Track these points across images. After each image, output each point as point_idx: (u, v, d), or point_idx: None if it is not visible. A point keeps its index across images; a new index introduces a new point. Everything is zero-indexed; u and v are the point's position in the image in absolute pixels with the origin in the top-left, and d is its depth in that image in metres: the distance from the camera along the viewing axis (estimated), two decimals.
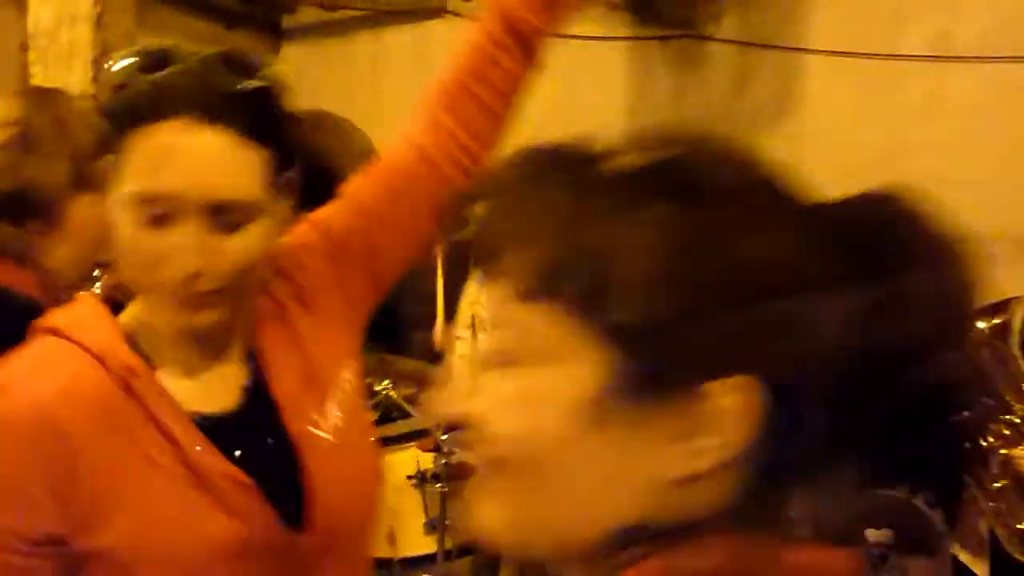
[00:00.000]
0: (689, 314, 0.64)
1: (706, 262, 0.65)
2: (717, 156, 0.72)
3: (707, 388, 0.64)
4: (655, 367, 0.65)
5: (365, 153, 3.26)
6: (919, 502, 3.57)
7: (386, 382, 2.87)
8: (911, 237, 0.73)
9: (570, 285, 0.66)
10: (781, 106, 5.93)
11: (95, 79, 2.53)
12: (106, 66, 1.44)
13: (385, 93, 7.02)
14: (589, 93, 6.58)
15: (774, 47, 5.84)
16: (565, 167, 0.71)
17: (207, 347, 1.44)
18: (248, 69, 1.37)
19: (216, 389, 1.45)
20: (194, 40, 7.36)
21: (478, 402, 0.72)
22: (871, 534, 3.39)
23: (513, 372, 0.70)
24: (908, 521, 3.52)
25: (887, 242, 0.71)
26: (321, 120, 3.32)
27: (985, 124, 5.45)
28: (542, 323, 0.67)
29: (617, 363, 0.65)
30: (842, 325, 0.65)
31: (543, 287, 0.67)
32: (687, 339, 0.64)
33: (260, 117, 1.33)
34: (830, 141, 5.81)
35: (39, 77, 2.64)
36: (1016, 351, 2.23)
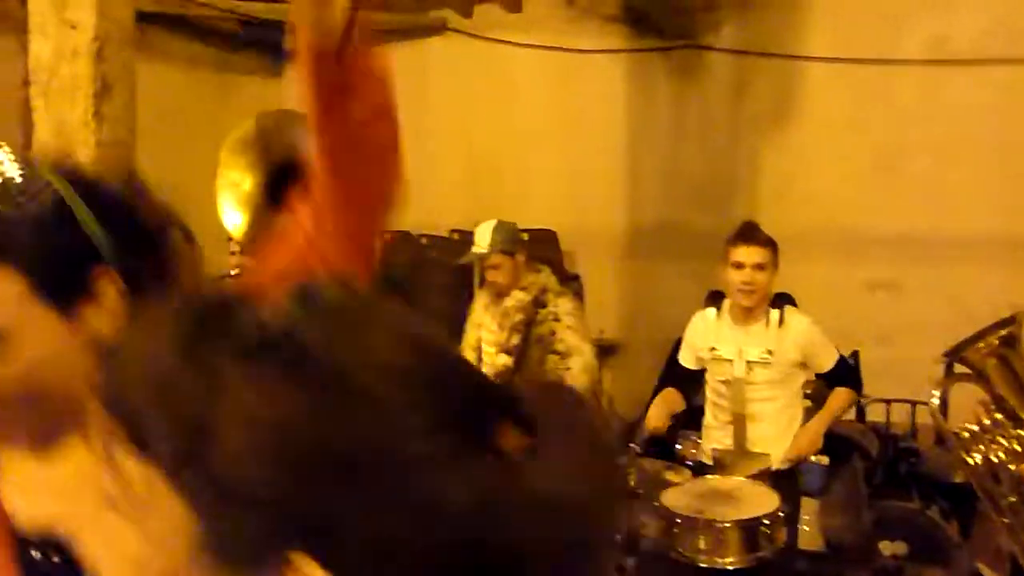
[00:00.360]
0: (276, 490, 0.62)
1: (305, 439, 0.63)
2: (341, 329, 0.67)
3: (274, 566, 0.63)
4: (234, 538, 0.64)
5: None
6: (933, 513, 3.57)
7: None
8: (546, 422, 0.67)
9: (165, 441, 0.65)
10: (781, 113, 5.93)
11: (95, 114, 2.54)
12: None
13: None
14: (591, 105, 6.61)
15: (773, 55, 5.84)
16: (192, 330, 0.69)
17: None
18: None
19: None
20: (197, 65, 7.41)
21: None
22: (885, 546, 3.38)
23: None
24: (922, 532, 3.51)
25: (512, 421, 0.66)
26: (293, 119, 3.34)
27: (981, 126, 5.46)
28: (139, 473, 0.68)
29: (206, 529, 0.64)
30: (438, 511, 0.62)
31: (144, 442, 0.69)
32: (268, 516, 0.63)
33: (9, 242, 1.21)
34: (830, 146, 5.80)
35: (41, 112, 2.65)
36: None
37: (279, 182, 3.59)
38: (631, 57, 6.32)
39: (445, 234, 6.79)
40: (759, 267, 3.00)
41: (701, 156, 6.21)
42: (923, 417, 4.24)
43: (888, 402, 4.02)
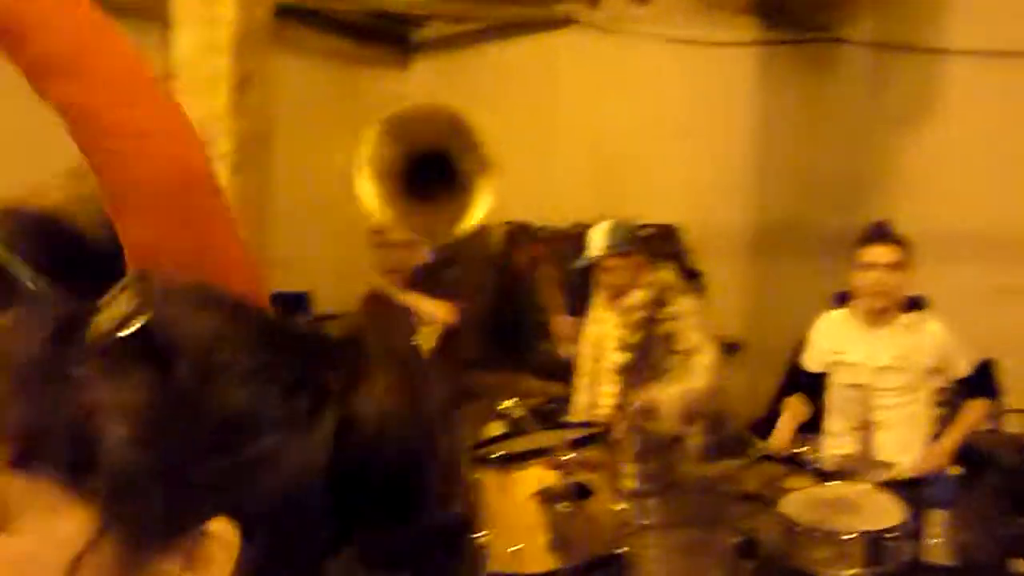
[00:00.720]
0: (167, 471, 0.68)
1: (180, 420, 0.69)
2: (195, 310, 0.73)
3: (191, 535, 0.69)
4: (140, 524, 0.68)
5: (478, 144, 3.32)
6: None
7: (512, 400, 2.87)
8: (366, 361, 0.76)
9: (53, 452, 0.68)
10: (921, 109, 5.70)
11: (234, 106, 2.63)
12: None
13: (512, 103, 7.09)
14: (720, 99, 6.49)
15: (913, 49, 5.62)
16: (50, 332, 0.71)
17: None
18: None
19: None
20: (328, 56, 7.60)
21: None
22: (1021, 564, 3.23)
23: (2, 539, 0.70)
24: None
25: (348, 371, 0.75)
26: (435, 113, 3.39)
27: None
28: (28, 489, 0.69)
29: (104, 522, 0.68)
30: (308, 456, 0.71)
31: (25, 455, 0.69)
32: (167, 494, 0.68)
33: None
34: (972, 145, 5.54)
35: (183, 106, 2.76)
36: None
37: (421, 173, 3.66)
38: (763, 50, 6.18)
39: (567, 227, 6.80)
40: (891, 267, 2.87)
41: (833, 153, 6.03)
42: None
43: None
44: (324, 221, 7.30)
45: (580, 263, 3.30)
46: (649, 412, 2.79)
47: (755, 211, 6.31)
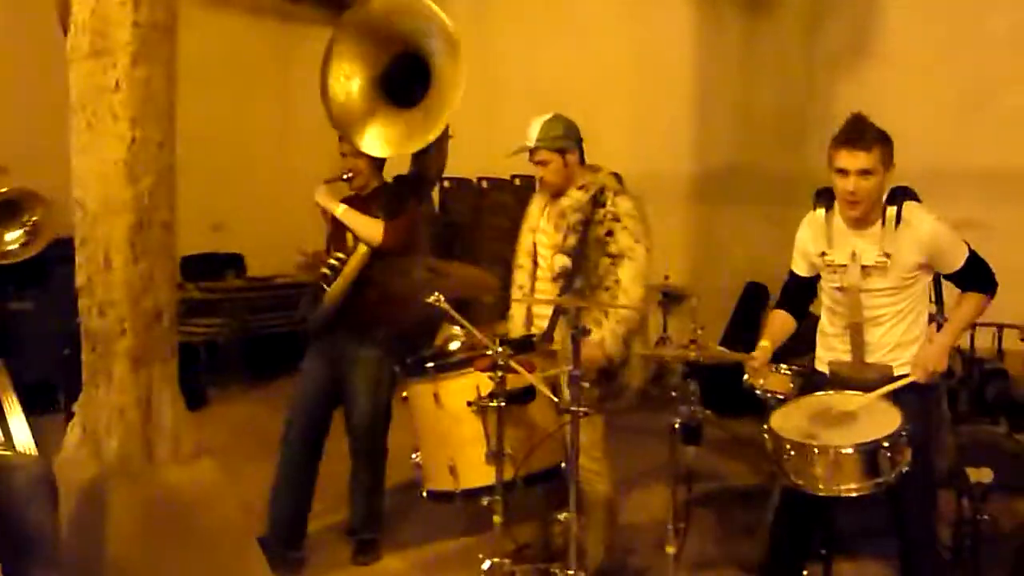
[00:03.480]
0: None
1: None
2: None
3: None
4: None
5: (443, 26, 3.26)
6: (1022, 439, 3.32)
7: (434, 295, 2.63)
8: None
9: None
10: (859, 48, 5.64)
11: None
12: None
13: None
14: (659, 44, 6.37)
15: None
16: None
17: None
18: None
19: None
20: (259, 14, 7.38)
21: None
22: (971, 472, 3.15)
23: None
24: (1010, 459, 3.27)
25: None
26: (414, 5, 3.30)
27: None
28: None
29: None
30: None
31: None
32: None
33: None
34: (912, 82, 5.49)
35: None
36: None
37: (396, 76, 3.53)
38: None
39: (507, 179, 6.67)
40: (865, 173, 2.68)
41: (774, 95, 5.96)
42: (1010, 343, 3.98)
43: (973, 326, 3.75)
44: (257, 183, 7.10)
45: (514, 151, 3.15)
46: (586, 338, 2.63)
47: (698, 156, 6.23)
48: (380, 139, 3.45)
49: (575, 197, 3.07)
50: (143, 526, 2.53)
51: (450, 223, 6.88)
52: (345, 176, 3.47)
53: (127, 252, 2.58)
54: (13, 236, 5.23)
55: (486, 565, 2.70)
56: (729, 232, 6.17)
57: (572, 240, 3.01)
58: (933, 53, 5.48)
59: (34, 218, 5.23)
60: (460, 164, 7.03)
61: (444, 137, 3.46)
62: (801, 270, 2.91)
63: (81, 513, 2.51)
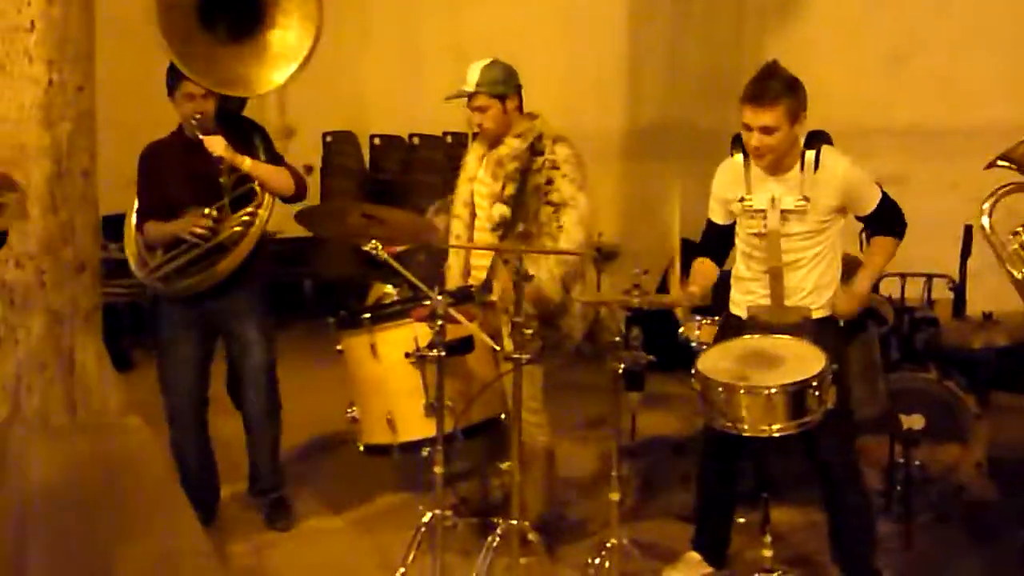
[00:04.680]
0: None
1: None
2: None
3: None
4: None
5: None
6: (951, 385, 3.39)
7: (372, 243, 2.53)
8: None
9: None
10: (787, 3, 5.68)
11: None
12: None
13: (372, 15, 6.84)
14: (593, 5, 6.37)
15: None
16: None
17: None
18: None
19: None
20: None
21: None
22: (903, 419, 3.22)
23: None
24: (940, 405, 3.34)
25: None
26: None
27: (994, 20, 5.24)
28: None
29: None
30: None
31: None
32: None
33: None
34: (839, 40, 5.54)
35: None
36: None
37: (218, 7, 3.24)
38: None
39: (438, 135, 6.59)
40: (767, 130, 2.68)
41: (703, 51, 5.97)
42: (939, 292, 4.06)
43: (903, 276, 3.81)
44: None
45: (451, 96, 3.08)
46: (527, 284, 2.60)
47: (627, 112, 6.22)
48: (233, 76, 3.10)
49: (512, 145, 3.02)
50: (69, 483, 2.44)
51: (379, 180, 6.77)
52: (193, 120, 3.13)
53: (46, 201, 2.46)
54: None
55: (426, 518, 2.69)
56: (659, 188, 6.19)
57: (510, 189, 2.97)
58: (859, 11, 5.55)
59: None
60: (389, 120, 6.98)
61: None
62: (718, 218, 2.93)
63: None
